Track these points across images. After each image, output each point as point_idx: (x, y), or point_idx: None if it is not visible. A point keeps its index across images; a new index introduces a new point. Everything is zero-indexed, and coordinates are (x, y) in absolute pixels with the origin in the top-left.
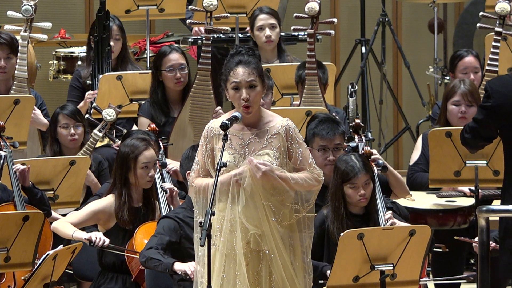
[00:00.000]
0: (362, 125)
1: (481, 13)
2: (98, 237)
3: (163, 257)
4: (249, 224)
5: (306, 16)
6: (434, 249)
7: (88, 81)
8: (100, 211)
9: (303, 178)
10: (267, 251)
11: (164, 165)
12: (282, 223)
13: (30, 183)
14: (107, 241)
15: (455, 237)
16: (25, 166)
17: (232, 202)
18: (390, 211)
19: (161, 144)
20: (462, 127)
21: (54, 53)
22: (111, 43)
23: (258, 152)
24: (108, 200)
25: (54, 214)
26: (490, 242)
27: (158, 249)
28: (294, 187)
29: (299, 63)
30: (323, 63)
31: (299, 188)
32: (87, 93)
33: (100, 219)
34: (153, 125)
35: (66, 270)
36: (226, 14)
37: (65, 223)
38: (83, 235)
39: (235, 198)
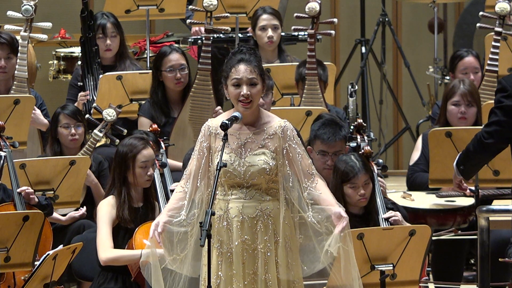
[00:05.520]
0: (365, 125)
1: (481, 13)
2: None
3: None
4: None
5: (307, 16)
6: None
7: (79, 83)
8: (112, 217)
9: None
10: (262, 250)
11: (164, 165)
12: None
13: (36, 199)
14: None
15: (500, 259)
16: (27, 189)
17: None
18: (399, 213)
19: (162, 145)
20: (474, 138)
21: (54, 53)
22: (108, 41)
23: (255, 151)
24: (110, 203)
25: (54, 214)
26: None
27: None
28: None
29: (299, 62)
30: (324, 63)
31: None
32: (79, 94)
33: (113, 224)
34: (155, 126)
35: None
36: (226, 14)
37: (115, 251)
38: (154, 252)
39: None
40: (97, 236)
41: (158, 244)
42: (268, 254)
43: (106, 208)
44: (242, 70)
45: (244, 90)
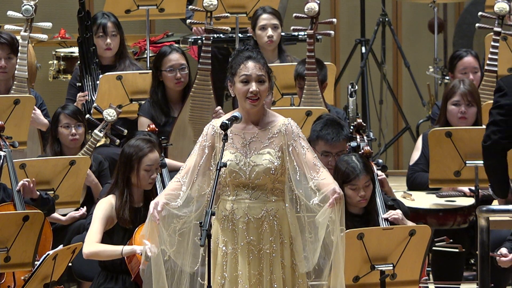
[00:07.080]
0: (364, 125)
1: (480, 13)
2: (153, 251)
3: None
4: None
5: (306, 16)
6: (447, 249)
7: (77, 83)
8: (108, 215)
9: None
10: (267, 251)
11: (163, 166)
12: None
13: (37, 192)
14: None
15: (491, 254)
16: (26, 181)
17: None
18: (399, 211)
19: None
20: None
21: (54, 53)
22: (108, 40)
23: (260, 151)
24: (109, 202)
25: (54, 214)
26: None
27: None
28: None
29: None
30: (323, 62)
31: None
32: (78, 95)
33: (107, 223)
34: (153, 125)
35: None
36: (226, 14)
37: (98, 245)
38: (136, 249)
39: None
40: (88, 231)
41: (157, 223)
42: (274, 255)
43: (104, 206)
44: (251, 67)
45: (253, 86)
